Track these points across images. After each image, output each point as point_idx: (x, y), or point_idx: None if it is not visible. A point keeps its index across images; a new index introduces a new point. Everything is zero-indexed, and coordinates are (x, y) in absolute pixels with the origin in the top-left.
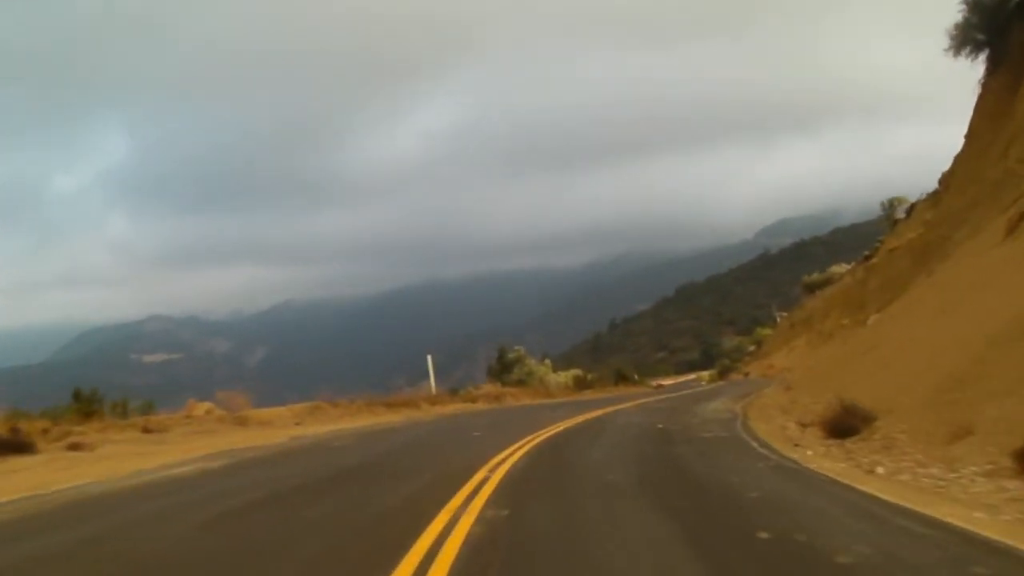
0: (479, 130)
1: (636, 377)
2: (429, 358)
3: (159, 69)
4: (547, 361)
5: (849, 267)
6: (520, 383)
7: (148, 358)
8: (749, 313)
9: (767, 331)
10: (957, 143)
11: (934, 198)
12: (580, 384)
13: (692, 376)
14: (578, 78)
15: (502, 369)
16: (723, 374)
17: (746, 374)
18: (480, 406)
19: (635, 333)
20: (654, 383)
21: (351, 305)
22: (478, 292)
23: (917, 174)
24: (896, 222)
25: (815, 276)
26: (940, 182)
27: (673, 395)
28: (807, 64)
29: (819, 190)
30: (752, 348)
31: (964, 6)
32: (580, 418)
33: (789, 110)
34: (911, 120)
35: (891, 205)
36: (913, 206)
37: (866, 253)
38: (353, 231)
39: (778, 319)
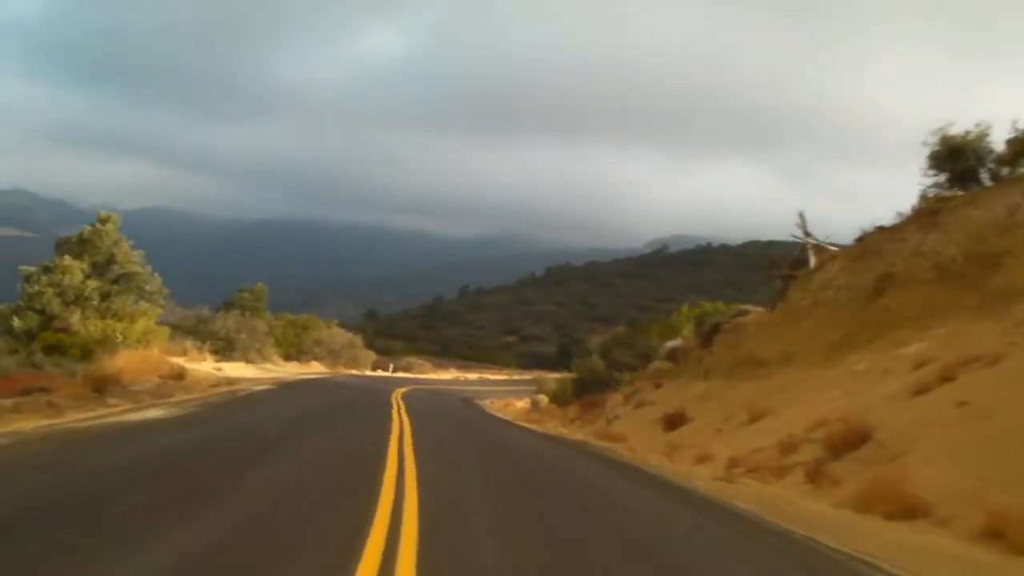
0: (416, 70)
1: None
2: None
3: None
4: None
5: None
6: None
7: None
8: (629, 313)
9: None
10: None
11: None
12: None
13: (531, 376)
14: (542, 34)
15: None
16: (580, 393)
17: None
18: None
19: (485, 308)
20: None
21: (224, 226)
22: (353, 241)
23: (853, 215)
24: None
25: None
26: None
27: None
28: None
29: (729, 215)
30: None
31: None
32: None
33: (745, 128)
34: (854, 163)
35: None
36: None
37: None
38: (247, 149)
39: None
